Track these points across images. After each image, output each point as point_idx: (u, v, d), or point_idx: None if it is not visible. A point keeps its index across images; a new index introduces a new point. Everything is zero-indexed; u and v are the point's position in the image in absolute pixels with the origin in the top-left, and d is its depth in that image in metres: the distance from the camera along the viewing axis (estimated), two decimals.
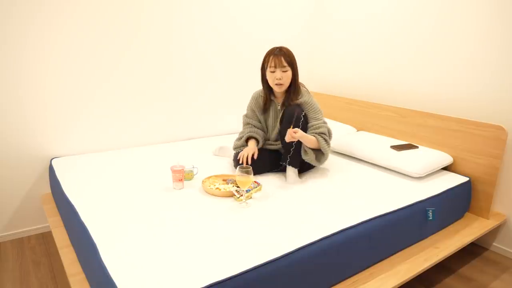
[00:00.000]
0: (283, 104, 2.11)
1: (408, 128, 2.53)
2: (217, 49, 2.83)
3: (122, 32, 2.38)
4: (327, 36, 3.18)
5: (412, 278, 1.63)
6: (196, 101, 2.83)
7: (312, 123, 2.05)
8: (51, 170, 2.16)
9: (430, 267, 1.72)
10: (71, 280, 1.46)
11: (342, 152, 2.53)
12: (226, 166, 2.23)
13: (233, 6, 2.81)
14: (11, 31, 2.04)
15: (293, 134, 1.87)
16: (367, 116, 2.81)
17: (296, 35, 3.25)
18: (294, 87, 2.06)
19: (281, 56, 1.97)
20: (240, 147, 2.20)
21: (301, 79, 3.39)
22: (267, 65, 2.03)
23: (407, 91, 2.61)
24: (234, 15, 2.84)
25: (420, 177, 2.14)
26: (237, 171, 1.72)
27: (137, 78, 2.52)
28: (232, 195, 1.80)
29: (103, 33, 2.32)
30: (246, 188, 1.73)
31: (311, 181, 2.07)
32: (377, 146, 2.38)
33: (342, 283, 1.55)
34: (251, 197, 1.80)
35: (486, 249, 2.28)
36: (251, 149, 2.07)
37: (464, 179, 2.17)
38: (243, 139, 2.19)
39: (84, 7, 2.22)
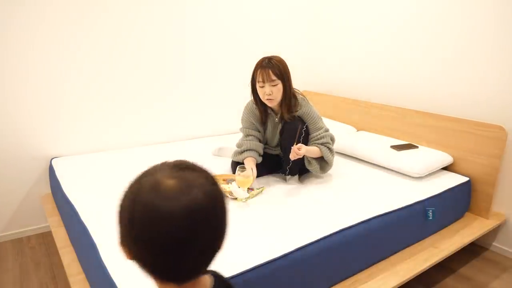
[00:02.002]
0: (281, 118, 2.00)
1: (408, 128, 2.52)
2: (218, 50, 2.83)
3: (122, 32, 2.38)
4: (327, 37, 3.18)
5: (412, 278, 1.63)
6: (196, 101, 2.83)
7: (313, 134, 1.99)
8: (51, 170, 2.16)
9: (430, 267, 1.72)
10: (71, 280, 1.46)
11: (342, 152, 2.53)
12: (226, 166, 2.23)
13: (234, 7, 2.81)
14: (11, 31, 2.04)
15: (298, 151, 1.80)
16: (367, 116, 2.81)
17: (297, 36, 3.25)
18: (288, 100, 1.92)
19: (268, 69, 1.83)
20: (239, 159, 2.08)
21: (302, 79, 3.42)
22: (256, 79, 1.90)
23: (407, 91, 2.61)
24: (236, 16, 2.84)
25: (420, 177, 2.14)
26: (237, 171, 1.72)
27: (137, 78, 2.52)
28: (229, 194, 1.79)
29: (103, 34, 2.31)
30: (245, 188, 1.74)
31: (311, 181, 2.07)
32: (377, 146, 2.38)
33: (342, 283, 1.55)
34: (252, 197, 1.80)
35: (486, 249, 2.28)
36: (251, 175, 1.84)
37: (464, 179, 2.17)
38: (244, 155, 2.03)
39: (85, 8, 2.22)
